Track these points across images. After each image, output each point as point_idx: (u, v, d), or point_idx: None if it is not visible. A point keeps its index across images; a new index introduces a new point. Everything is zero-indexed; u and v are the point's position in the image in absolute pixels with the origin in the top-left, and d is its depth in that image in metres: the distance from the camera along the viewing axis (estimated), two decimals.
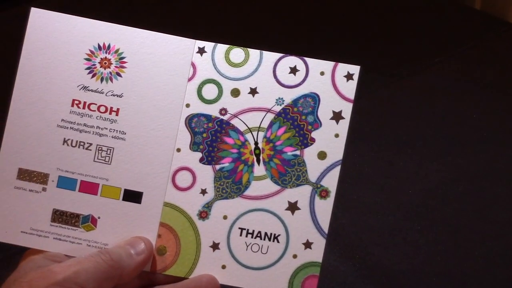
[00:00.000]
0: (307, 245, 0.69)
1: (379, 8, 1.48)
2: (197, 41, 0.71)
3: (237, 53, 0.71)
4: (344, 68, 0.70)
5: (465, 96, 1.24)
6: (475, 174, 1.07)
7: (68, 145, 0.70)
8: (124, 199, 0.70)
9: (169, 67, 0.70)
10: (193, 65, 0.71)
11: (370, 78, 1.22)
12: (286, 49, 0.73)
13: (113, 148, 0.70)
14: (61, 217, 0.70)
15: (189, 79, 0.71)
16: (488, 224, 0.98)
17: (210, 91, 0.71)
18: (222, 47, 0.71)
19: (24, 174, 0.69)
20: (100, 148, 0.70)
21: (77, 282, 0.62)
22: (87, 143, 0.70)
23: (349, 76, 0.70)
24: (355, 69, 0.70)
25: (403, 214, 1.00)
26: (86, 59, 0.70)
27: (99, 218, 0.70)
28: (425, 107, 1.21)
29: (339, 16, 1.46)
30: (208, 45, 0.71)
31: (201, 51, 0.71)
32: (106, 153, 0.70)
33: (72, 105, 0.70)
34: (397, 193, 1.03)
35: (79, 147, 0.70)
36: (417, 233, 0.97)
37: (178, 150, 0.70)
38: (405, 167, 1.08)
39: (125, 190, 0.70)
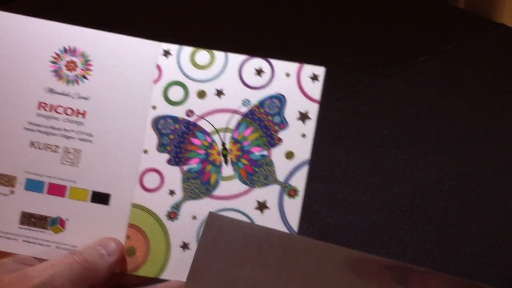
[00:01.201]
0: None
1: (363, 8, 1.48)
2: (162, 43, 0.71)
3: (203, 55, 0.71)
4: (309, 69, 0.70)
5: (450, 95, 1.23)
6: (461, 173, 1.06)
7: (35, 147, 0.70)
8: (92, 201, 0.70)
9: (134, 70, 0.70)
10: (158, 67, 0.71)
11: (355, 78, 1.22)
12: (260, 51, 0.73)
13: (81, 150, 0.70)
14: (29, 219, 0.69)
15: (155, 81, 0.71)
16: (474, 223, 0.98)
17: (176, 93, 0.71)
18: (187, 50, 0.71)
19: None
20: (67, 151, 0.70)
21: (53, 286, 0.62)
22: (54, 145, 0.70)
23: (314, 77, 0.70)
24: (320, 70, 0.70)
25: (389, 213, 0.99)
26: (52, 61, 0.70)
27: (67, 220, 0.70)
28: (410, 106, 1.21)
29: (322, 16, 1.46)
30: (173, 48, 0.71)
31: (166, 53, 0.71)
32: (74, 156, 0.70)
33: (39, 108, 0.70)
34: (382, 193, 1.03)
35: (46, 149, 0.70)
36: (402, 232, 0.96)
37: (145, 151, 0.70)
38: (390, 166, 1.08)
39: (93, 192, 0.70)
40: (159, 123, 0.70)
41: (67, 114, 0.70)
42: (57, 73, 0.70)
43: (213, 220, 0.68)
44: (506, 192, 1.03)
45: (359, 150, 1.10)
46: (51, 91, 0.70)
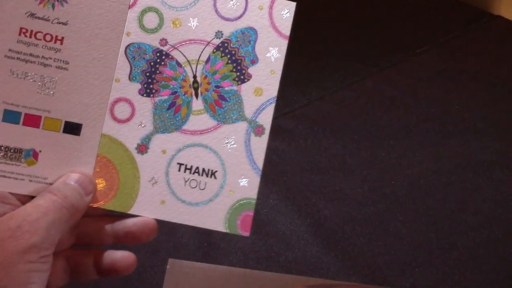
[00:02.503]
0: (243, 181, 0.68)
1: (359, 1, 1.49)
2: None
3: None
4: (281, 3, 0.68)
5: (447, 86, 1.23)
6: (458, 165, 1.05)
7: (14, 76, 0.69)
8: (65, 131, 0.69)
9: None
10: None
11: (352, 69, 1.22)
12: None
13: (56, 79, 0.69)
14: (6, 153, 0.69)
15: (130, 6, 0.69)
16: (471, 215, 0.96)
17: (151, 20, 0.69)
18: None
19: None
20: (43, 79, 0.69)
21: (50, 241, 0.62)
22: (32, 73, 0.69)
23: (285, 13, 0.68)
24: (291, 6, 0.69)
25: (386, 205, 0.98)
26: None
27: (40, 152, 0.69)
28: (407, 97, 1.20)
29: (319, 7, 1.46)
30: None
31: None
32: (50, 84, 0.69)
33: (20, 34, 0.69)
34: (379, 184, 1.02)
35: (24, 78, 0.69)
36: (399, 224, 0.96)
37: (117, 80, 0.69)
38: (387, 158, 1.07)
39: (66, 122, 0.69)
40: (132, 51, 0.69)
41: (45, 41, 0.69)
42: None
43: (175, 267, 0.68)
44: (503, 183, 1.02)
45: (356, 142, 1.10)
46: (32, 15, 0.69)
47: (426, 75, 1.25)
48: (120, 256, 0.69)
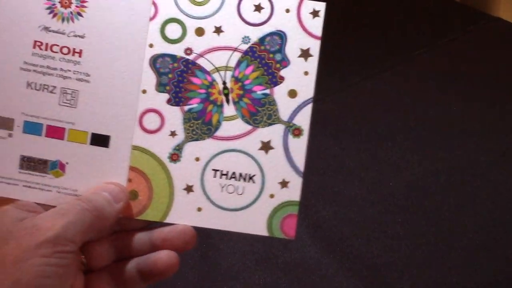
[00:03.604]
0: (284, 184, 0.68)
1: (359, 1, 1.49)
2: None
3: None
4: (309, 4, 0.68)
5: (446, 88, 1.24)
6: (456, 167, 1.06)
7: (32, 88, 0.68)
8: (92, 143, 0.68)
9: (129, 6, 0.68)
10: (154, 3, 0.68)
11: (351, 71, 1.22)
12: None
13: (78, 91, 0.68)
14: (29, 163, 0.68)
15: (151, 19, 0.68)
16: (469, 217, 0.97)
17: (173, 31, 0.68)
18: None
19: None
20: (64, 91, 0.68)
21: (67, 238, 0.61)
22: (51, 86, 0.68)
23: (315, 13, 0.68)
24: (320, 6, 0.68)
25: (384, 207, 0.99)
26: None
27: (67, 163, 0.68)
28: (406, 99, 1.21)
29: None
30: None
31: None
32: (71, 96, 0.68)
33: (34, 47, 0.68)
34: (378, 186, 1.03)
35: (43, 90, 0.68)
36: (398, 225, 0.96)
37: (144, 91, 0.68)
38: (386, 159, 1.08)
39: (92, 134, 0.68)
40: (157, 62, 0.68)
41: (63, 53, 0.68)
42: (52, 10, 0.68)
43: None
44: (501, 185, 1.03)
45: (354, 144, 1.10)
46: (46, 29, 0.68)
47: (425, 77, 1.26)
48: (161, 255, 0.68)
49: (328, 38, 1.35)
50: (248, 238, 0.88)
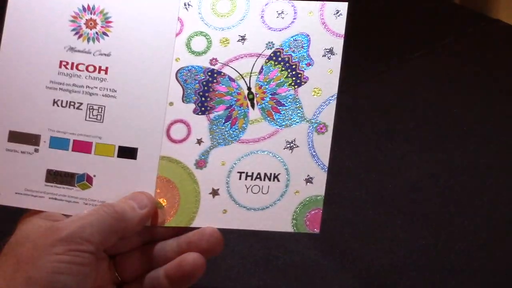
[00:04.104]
0: (308, 180, 0.68)
1: (356, 3, 1.50)
2: None
3: (224, 3, 0.71)
4: (332, 6, 0.70)
5: (445, 90, 1.24)
6: (456, 169, 1.06)
7: (58, 105, 0.69)
8: (119, 156, 0.69)
9: (155, 25, 0.70)
10: (180, 20, 0.70)
11: (349, 73, 1.23)
12: None
13: (104, 106, 0.69)
14: (55, 177, 0.68)
15: (177, 35, 0.70)
16: (469, 219, 0.97)
17: (199, 43, 0.70)
18: (208, 0, 0.71)
19: (15, 136, 0.69)
20: (91, 107, 0.69)
21: (82, 237, 0.61)
22: (78, 102, 0.69)
23: (337, 13, 0.70)
24: (343, 6, 0.70)
25: (384, 209, 0.98)
26: (71, 21, 0.70)
27: (94, 176, 0.69)
28: (405, 101, 1.21)
29: None
30: (193, 0, 0.71)
31: (187, 5, 0.71)
32: (98, 112, 0.69)
33: (60, 67, 0.69)
34: (377, 188, 1.02)
35: (69, 107, 0.69)
36: (397, 228, 0.95)
37: (171, 104, 0.69)
38: (385, 161, 1.07)
39: (119, 147, 0.69)
40: (182, 74, 0.70)
41: (88, 71, 0.69)
42: (77, 31, 0.70)
43: None
44: (501, 187, 1.03)
45: (353, 145, 1.10)
46: (72, 49, 0.70)
47: (424, 79, 1.26)
48: (187, 256, 0.67)
49: None
50: (247, 240, 0.87)
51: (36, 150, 0.69)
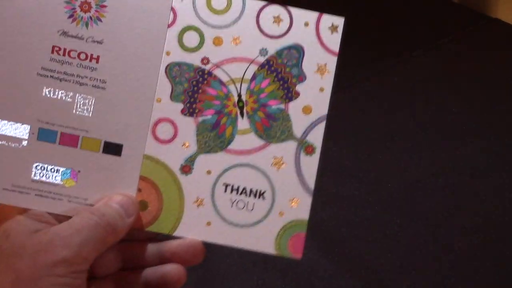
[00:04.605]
0: (293, 202, 0.68)
1: (356, 2, 1.49)
2: None
3: None
4: (328, 19, 0.68)
5: (444, 89, 1.24)
6: (455, 168, 1.06)
7: (48, 95, 0.67)
8: (104, 151, 0.67)
9: (148, 12, 0.67)
10: (173, 10, 0.68)
11: (349, 72, 1.23)
12: None
13: (93, 98, 0.67)
14: (42, 171, 0.67)
15: (169, 25, 0.68)
16: (468, 218, 0.97)
17: (191, 39, 0.68)
18: None
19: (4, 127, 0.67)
20: (80, 98, 0.67)
21: (83, 256, 0.61)
22: (68, 92, 0.67)
23: (333, 28, 0.68)
24: (339, 21, 0.68)
25: (383, 208, 0.99)
26: (66, 2, 0.67)
27: (79, 172, 0.67)
28: (404, 100, 1.21)
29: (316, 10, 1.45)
30: None
31: None
32: (87, 103, 0.67)
33: (52, 52, 0.67)
34: (376, 187, 1.03)
35: (59, 97, 0.67)
36: (396, 227, 0.96)
37: (159, 100, 0.68)
38: (384, 160, 1.08)
39: (105, 142, 0.67)
40: (173, 70, 0.68)
41: (80, 59, 0.67)
42: (71, 14, 0.67)
43: None
44: (499, 186, 1.03)
45: (353, 145, 1.10)
46: (65, 34, 0.67)
47: (424, 78, 1.26)
48: (169, 269, 0.68)
49: None
50: None
51: (25, 143, 0.67)
